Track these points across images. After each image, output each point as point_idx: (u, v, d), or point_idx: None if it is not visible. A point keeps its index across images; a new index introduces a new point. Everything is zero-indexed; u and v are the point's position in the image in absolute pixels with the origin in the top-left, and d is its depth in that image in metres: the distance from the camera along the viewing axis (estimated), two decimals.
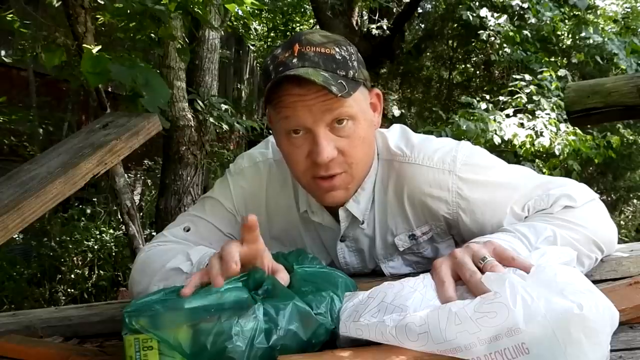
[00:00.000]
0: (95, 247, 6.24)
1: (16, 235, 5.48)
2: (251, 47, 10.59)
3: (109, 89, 4.83)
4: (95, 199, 6.91)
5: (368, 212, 1.08)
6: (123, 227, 3.99)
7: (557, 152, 5.20)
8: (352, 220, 1.08)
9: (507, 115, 5.43)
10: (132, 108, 2.52)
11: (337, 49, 0.93)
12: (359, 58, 0.97)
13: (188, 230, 1.13)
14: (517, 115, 5.43)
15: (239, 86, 10.40)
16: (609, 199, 7.87)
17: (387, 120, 7.77)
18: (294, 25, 10.55)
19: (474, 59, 8.28)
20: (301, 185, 1.05)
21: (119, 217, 4.25)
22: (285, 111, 0.93)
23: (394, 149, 1.06)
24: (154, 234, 5.74)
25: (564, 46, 6.89)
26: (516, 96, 5.60)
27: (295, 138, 0.95)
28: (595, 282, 0.77)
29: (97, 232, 6.40)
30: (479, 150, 1.07)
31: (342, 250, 1.13)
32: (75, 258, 6.11)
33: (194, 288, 0.74)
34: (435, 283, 0.74)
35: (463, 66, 8.63)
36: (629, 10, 7.41)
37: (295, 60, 0.91)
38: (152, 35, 3.29)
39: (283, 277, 0.79)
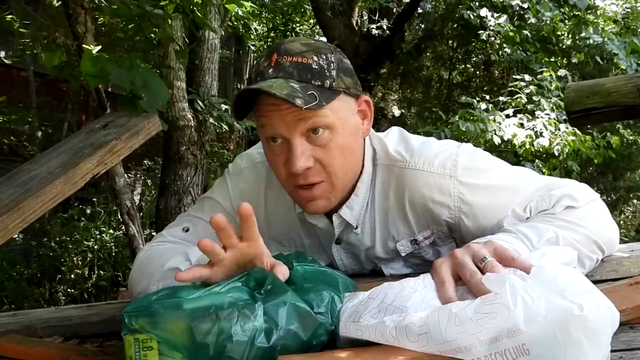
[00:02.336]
0: (95, 247, 6.24)
1: (16, 235, 5.48)
2: (251, 47, 10.60)
3: (109, 89, 4.83)
4: (95, 199, 6.92)
5: (362, 217, 1.08)
6: (123, 227, 3.99)
7: (556, 153, 5.21)
8: (347, 225, 1.08)
9: (507, 116, 5.44)
10: (131, 110, 2.51)
11: (315, 58, 0.92)
12: (341, 66, 0.96)
13: (187, 231, 1.13)
14: (517, 115, 5.44)
15: (239, 86, 10.42)
16: (609, 199, 7.88)
17: (387, 121, 7.78)
18: (294, 26, 10.55)
19: (474, 59, 8.28)
20: (286, 191, 1.05)
21: (119, 217, 4.25)
22: (262, 120, 0.94)
23: (394, 153, 1.05)
24: (154, 234, 5.74)
25: (564, 46, 6.90)
26: (516, 96, 5.61)
27: (274, 146, 0.96)
28: (595, 282, 0.77)
29: (97, 232, 6.41)
30: (480, 153, 1.06)
31: (338, 252, 1.13)
32: (75, 258, 6.12)
33: (191, 275, 0.75)
34: (436, 283, 0.73)
35: (463, 66, 8.63)
36: (629, 10, 7.41)
37: (270, 70, 0.92)
38: (152, 35, 3.30)
39: (282, 271, 0.78)
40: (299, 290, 0.75)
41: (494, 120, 5.20)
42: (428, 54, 8.81)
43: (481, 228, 1.00)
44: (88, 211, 6.68)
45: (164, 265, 0.95)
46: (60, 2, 3.67)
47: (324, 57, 0.94)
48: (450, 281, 0.72)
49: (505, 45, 6.29)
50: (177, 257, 0.94)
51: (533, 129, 5.24)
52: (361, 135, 1.02)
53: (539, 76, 5.69)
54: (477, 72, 8.45)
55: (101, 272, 6.22)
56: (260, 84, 0.89)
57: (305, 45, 0.95)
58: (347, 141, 0.96)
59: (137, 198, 7.67)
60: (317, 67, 0.92)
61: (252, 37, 10.12)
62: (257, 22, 9.76)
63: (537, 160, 5.48)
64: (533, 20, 6.35)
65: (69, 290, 5.97)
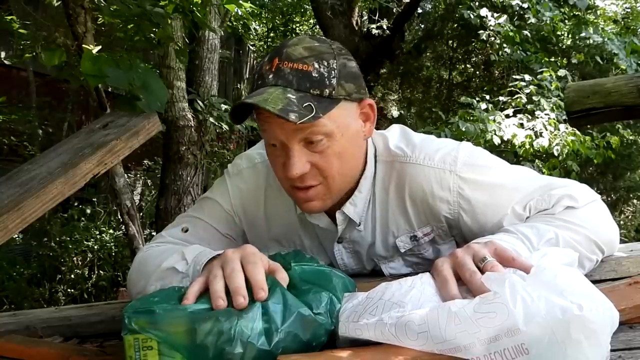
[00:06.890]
0: (95, 247, 6.25)
1: (16, 235, 5.49)
2: (251, 47, 10.61)
3: (109, 89, 4.83)
4: (95, 199, 6.92)
5: (365, 213, 1.08)
6: (123, 227, 3.99)
7: (555, 153, 5.21)
8: (350, 222, 1.08)
9: (507, 116, 5.44)
10: (128, 111, 2.50)
11: (316, 65, 0.91)
12: (343, 72, 0.94)
13: (186, 231, 1.12)
14: (517, 115, 5.44)
15: (239, 86, 10.42)
16: (609, 199, 7.88)
17: (387, 121, 7.78)
18: (294, 26, 10.56)
19: (474, 59, 8.29)
20: (285, 191, 1.06)
21: (119, 217, 4.25)
22: (263, 124, 0.96)
23: (395, 149, 1.06)
24: (154, 234, 5.74)
25: (564, 46, 6.90)
26: (516, 96, 5.61)
27: (274, 149, 0.97)
28: (595, 282, 0.77)
29: (97, 232, 6.41)
30: (480, 150, 1.06)
31: (339, 252, 1.13)
32: (75, 258, 6.12)
33: (195, 296, 0.73)
34: (438, 282, 0.74)
35: (463, 66, 8.64)
36: (629, 10, 7.42)
37: (271, 76, 0.91)
38: (152, 35, 3.30)
39: (282, 277, 0.78)
40: (297, 292, 0.75)
41: (494, 121, 5.21)
42: (428, 54, 8.82)
43: (480, 225, 1.01)
44: (88, 211, 6.68)
45: (161, 265, 0.95)
46: (60, 2, 3.67)
47: (326, 63, 0.92)
48: (453, 279, 0.73)
49: (505, 45, 6.29)
50: (174, 256, 0.94)
51: (533, 129, 5.24)
52: (363, 137, 1.02)
53: (539, 76, 5.69)
54: (477, 72, 8.46)
55: (101, 272, 6.23)
56: (256, 97, 0.89)
57: (308, 49, 0.93)
58: (346, 146, 0.97)
59: (137, 198, 7.67)
60: (317, 75, 0.91)
61: (252, 37, 10.13)
62: (256, 22, 9.76)
63: (537, 160, 5.48)
64: (533, 20, 6.35)
65: (69, 290, 5.98)
